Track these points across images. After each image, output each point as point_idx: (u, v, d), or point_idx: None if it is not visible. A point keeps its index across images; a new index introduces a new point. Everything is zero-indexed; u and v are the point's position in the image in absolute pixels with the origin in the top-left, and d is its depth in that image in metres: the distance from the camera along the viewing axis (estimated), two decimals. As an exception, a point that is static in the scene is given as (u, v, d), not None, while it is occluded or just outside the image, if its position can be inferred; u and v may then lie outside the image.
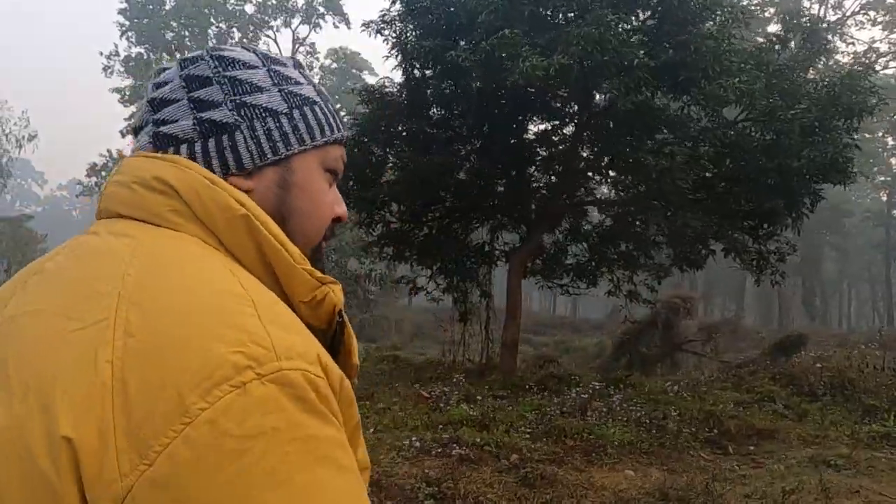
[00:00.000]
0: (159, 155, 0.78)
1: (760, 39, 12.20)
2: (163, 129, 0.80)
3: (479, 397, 8.70)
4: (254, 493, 0.54)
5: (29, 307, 0.67)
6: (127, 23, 34.87)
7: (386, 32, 11.06)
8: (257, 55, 0.86)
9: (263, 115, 0.81)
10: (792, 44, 11.34)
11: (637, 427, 7.55)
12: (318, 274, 0.75)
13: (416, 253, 12.26)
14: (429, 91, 11.02)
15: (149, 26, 34.78)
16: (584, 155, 11.21)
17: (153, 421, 0.55)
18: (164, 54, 35.10)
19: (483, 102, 10.35)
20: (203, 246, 0.72)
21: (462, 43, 9.64)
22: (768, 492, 5.61)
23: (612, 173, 10.90)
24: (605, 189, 12.57)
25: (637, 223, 10.45)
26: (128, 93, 32.99)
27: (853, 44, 35.41)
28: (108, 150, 30.66)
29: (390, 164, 11.71)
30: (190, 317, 0.61)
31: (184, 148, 0.79)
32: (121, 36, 32.87)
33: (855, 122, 10.10)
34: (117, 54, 34.39)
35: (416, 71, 10.97)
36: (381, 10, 11.04)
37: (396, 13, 11.02)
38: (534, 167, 11.59)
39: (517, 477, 5.13)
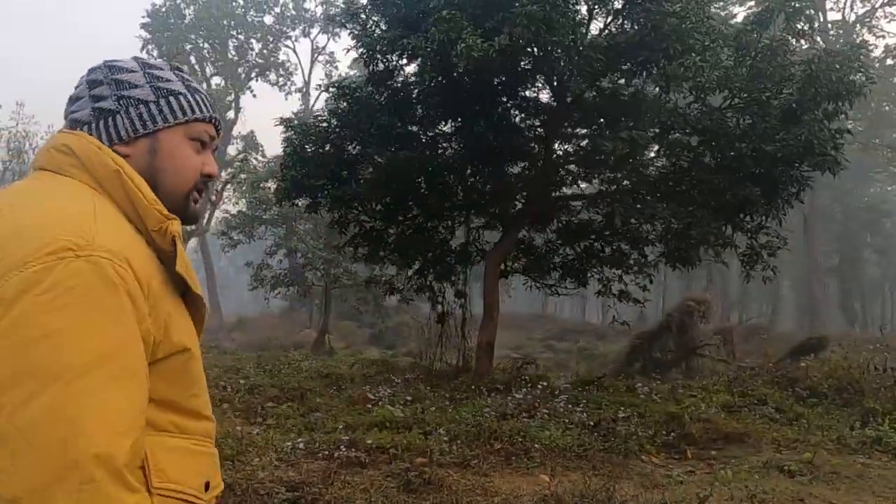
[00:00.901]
0: (69, 131, 1.18)
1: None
2: (73, 115, 1.20)
3: (427, 399, 8.29)
4: (28, 332, 0.90)
5: None
6: (149, 36, 35.44)
7: (350, 26, 10.75)
8: (138, 63, 1.24)
9: (136, 103, 1.18)
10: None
11: (581, 430, 7.02)
12: (165, 212, 1.11)
13: (389, 253, 11.89)
14: (394, 84, 10.68)
15: (169, 39, 35.29)
16: (554, 147, 10.69)
17: (11, 264, 0.94)
18: (184, 67, 35.58)
19: (445, 92, 9.94)
20: (85, 187, 1.10)
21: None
22: (685, 498, 5.05)
23: (576, 167, 10.35)
24: (582, 184, 11.99)
25: (617, 219, 9.86)
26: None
27: (884, 36, 33.95)
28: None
29: (362, 161, 11.36)
30: (47, 218, 1.01)
31: (86, 128, 1.17)
32: (142, 49, 33.34)
33: (844, 104, 9.43)
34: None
35: (380, 64, 10.63)
36: (345, 2, 10.75)
37: (361, 5, 10.70)
38: (506, 162, 11.11)
39: (401, 481, 4.69)
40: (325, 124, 11.31)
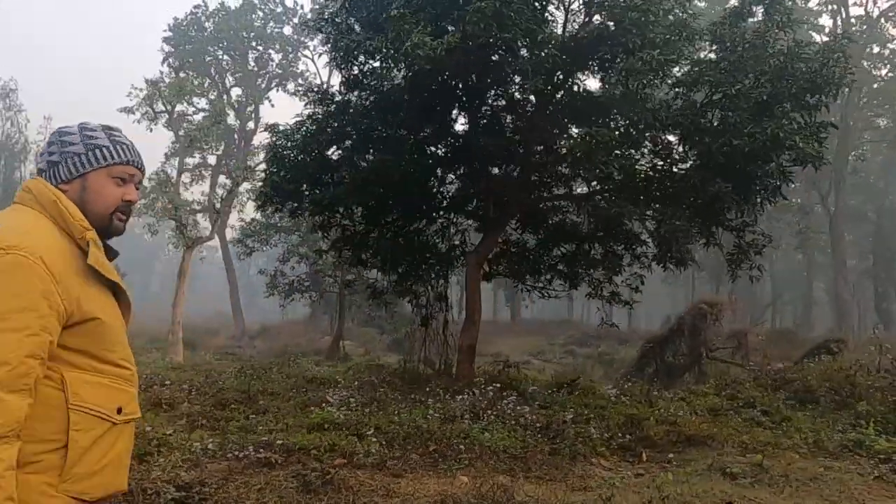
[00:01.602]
0: (34, 177, 1.81)
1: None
2: (38, 166, 1.85)
3: (389, 401, 8.20)
4: None
5: None
6: (170, 49, 36.13)
7: (326, 30, 10.77)
8: (78, 128, 1.85)
9: (72, 155, 1.80)
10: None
11: (528, 432, 6.86)
12: (85, 224, 1.72)
13: (371, 257, 11.84)
14: (369, 86, 10.67)
15: (190, 52, 35.93)
16: (534, 148, 10.51)
17: None
18: (205, 79, 36.23)
19: (414, 93, 9.89)
20: (34, 212, 1.73)
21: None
22: (595, 499, 4.88)
23: (550, 168, 10.16)
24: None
25: (584, 221, 9.65)
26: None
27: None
28: (156, 173, 31.62)
29: (342, 165, 11.34)
30: (18, 225, 1.66)
31: (43, 174, 1.80)
32: (163, 62, 34.01)
33: (826, 97, 9.13)
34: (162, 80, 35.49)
35: (354, 67, 10.63)
36: (318, 5, 10.76)
37: (335, 9, 10.71)
38: (486, 163, 10.98)
39: (302, 482, 4.63)
40: (304, 129, 11.33)
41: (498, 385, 8.59)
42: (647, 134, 9.15)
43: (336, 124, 11.05)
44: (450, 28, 8.44)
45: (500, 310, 52.84)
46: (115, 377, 1.72)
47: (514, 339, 38.84)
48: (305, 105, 11.39)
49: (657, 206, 9.23)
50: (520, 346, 37.34)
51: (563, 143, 7.96)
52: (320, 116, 11.24)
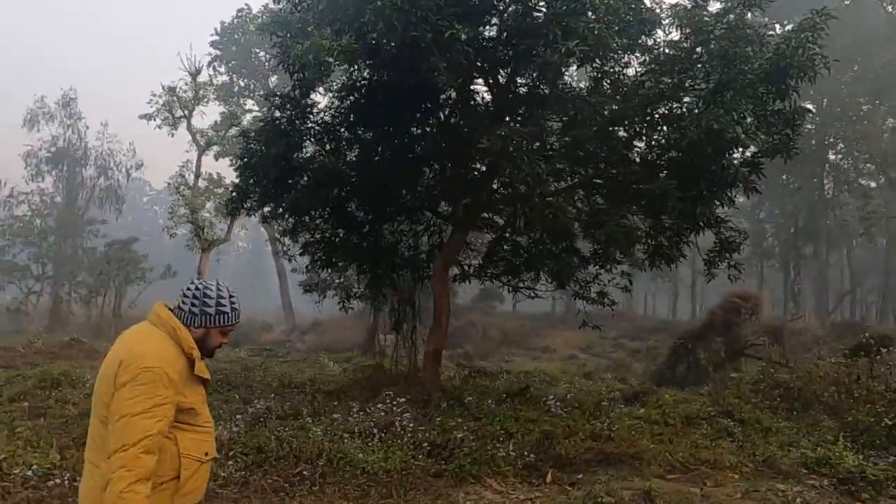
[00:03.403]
0: (165, 304, 2.87)
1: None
2: (181, 304, 2.85)
3: (322, 412, 8.02)
4: (127, 395, 2.57)
5: (117, 341, 2.85)
6: (217, 52, 36.95)
7: (279, 34, 10.63)
8: (215, 293, 2.86)
9: (206, 315, 2.82)
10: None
11: (416, 451, 6.52)
12: (192, 348, 2.76)
13: (339, 260, 11.69)
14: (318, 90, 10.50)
15: (235, 53, 36.66)
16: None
17: (123, 371, 2.62)
18: (251, 80, 36.98)
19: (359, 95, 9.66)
20: (162, 333, 2.76)
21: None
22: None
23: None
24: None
25: (520, 221, 9.15)
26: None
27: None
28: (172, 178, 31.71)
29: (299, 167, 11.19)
30: (142, 350, 2.67)
31: (181, 315, 2.82)
32: (208, 65, 34.78)
33: (794, 82, 8.35)
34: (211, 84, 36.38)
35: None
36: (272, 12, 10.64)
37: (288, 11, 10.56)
38: (443, 162, 10.63)
39: None
40: (267, 132, 11.23)
41: (441, 392, 8.27)
42: (593, 128, 8.60)
43: (297, 126, 10.95)
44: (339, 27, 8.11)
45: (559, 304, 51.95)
46: (202, 433, 2.79)
47: (566, 333, 38.05)
48: (268, 109, 11.32)
49: (601, 204, 8.66)
50: (571, 340, 36.63)
51: (484, 141, 7.53)
52: (284, 120, 11.15)
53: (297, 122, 10.96)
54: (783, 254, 44.44)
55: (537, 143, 7.52)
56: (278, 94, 11.39)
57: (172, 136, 21.10)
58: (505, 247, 12.04)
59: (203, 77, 27.81)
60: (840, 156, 39.32)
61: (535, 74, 8.10)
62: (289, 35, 9.41)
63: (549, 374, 17.59)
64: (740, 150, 8.83)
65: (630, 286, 12.19)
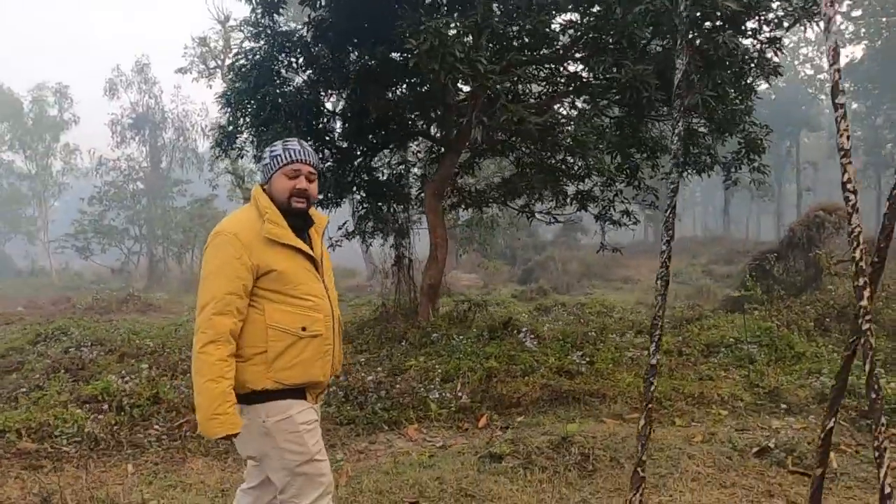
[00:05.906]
0: (255, 183, 2.85)
1: None
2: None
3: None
4: (203, 261, 2.59)
5: None
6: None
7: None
8: (270, 146, 2.75)
9: (264, 167, 2.71)
10: None
11: (330, 398, 5.81)
12: (266, 208, 2.61)
13: (336, 196, 10.97)
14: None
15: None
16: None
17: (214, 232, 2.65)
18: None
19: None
20: (249, 206, 2.68)
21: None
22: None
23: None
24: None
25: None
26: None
27: None
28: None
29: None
30: (221, 223, 2.64)
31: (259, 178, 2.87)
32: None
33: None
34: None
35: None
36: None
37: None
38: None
39: None
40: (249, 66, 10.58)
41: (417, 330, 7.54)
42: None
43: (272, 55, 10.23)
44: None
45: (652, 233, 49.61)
46: (299, 307, 2.55)
47: (655, 261, 36.23)
48: (243, 41, 10.63)
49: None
50: (651, 269, 34.76)
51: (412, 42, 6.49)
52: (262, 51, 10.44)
53: (273, 52, 10.23)
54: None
55: (470, 37, 6.37)
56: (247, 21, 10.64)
57: (210, 87, 20.97)
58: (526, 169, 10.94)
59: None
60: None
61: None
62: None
63: (607, 304, 16.60)
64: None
65: (656, 202, 10.81)
